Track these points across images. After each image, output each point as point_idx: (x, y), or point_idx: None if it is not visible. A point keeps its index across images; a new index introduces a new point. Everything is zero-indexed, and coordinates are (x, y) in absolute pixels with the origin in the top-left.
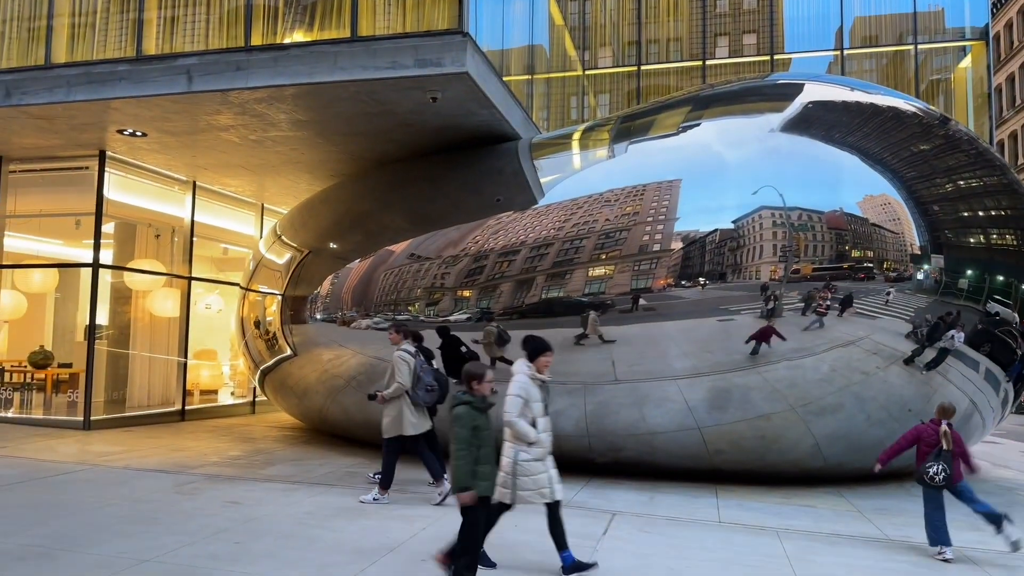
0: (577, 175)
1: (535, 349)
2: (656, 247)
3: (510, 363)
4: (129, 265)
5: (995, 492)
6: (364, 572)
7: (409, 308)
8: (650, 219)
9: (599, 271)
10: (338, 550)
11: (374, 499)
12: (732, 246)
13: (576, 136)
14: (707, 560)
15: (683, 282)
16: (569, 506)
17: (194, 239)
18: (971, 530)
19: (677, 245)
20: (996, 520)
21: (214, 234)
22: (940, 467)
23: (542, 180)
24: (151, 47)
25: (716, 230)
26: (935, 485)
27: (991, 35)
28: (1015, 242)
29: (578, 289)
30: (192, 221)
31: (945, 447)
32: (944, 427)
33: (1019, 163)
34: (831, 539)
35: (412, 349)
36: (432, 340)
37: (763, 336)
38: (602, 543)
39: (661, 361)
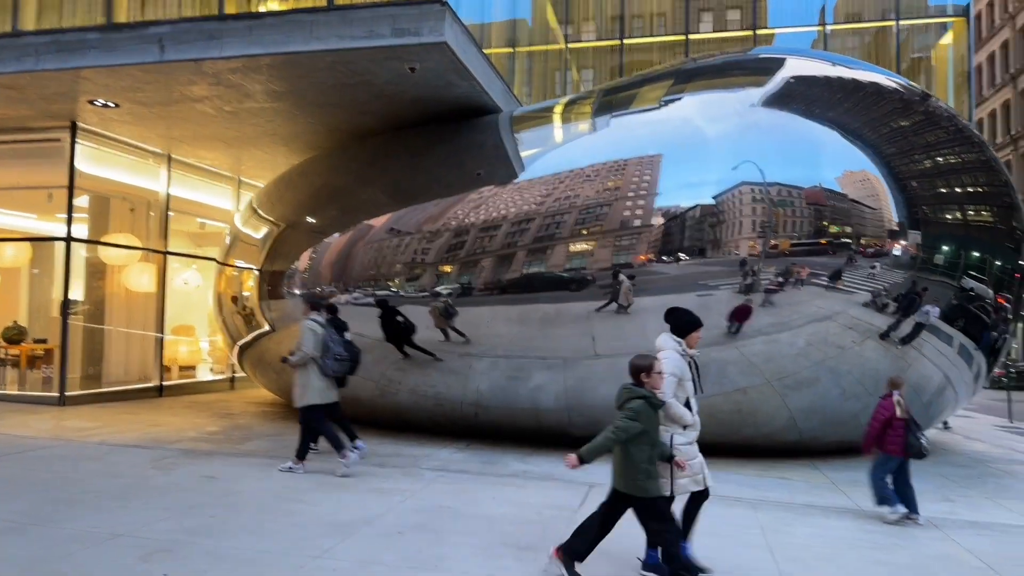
0: (558, 149)
1: (687, 323)
2: (637, 223)
3: (460, 333)
4: (103, 239)
5: (967, 464)
6: (341, 545)
7: (389, 283)
8: (631, 194)
9: (580, 246)
10: (315, 523)
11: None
12: (712, 222)
13: (558, 109)
14: None
15: (664, 258)
16: (548, 479)
17: (170, 213)
18: (943, 501)
19: (658, 221)
20: (890, 503)
21: (190, 208)
22: (922, 435)
23: (523, 154)
24: (122, 15)
25: (697, 205)
26: (925, 453)
27: (972, 14)
28: (991, 219)
29: (559, 264)
30: (167, 195)
31: (899, 415)
32: (898, 397)
33: (998, 141)
34: (805, 510)
35: (321, 319)
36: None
37: (741, 315)
38: (579, 514)
39: (641, 336)
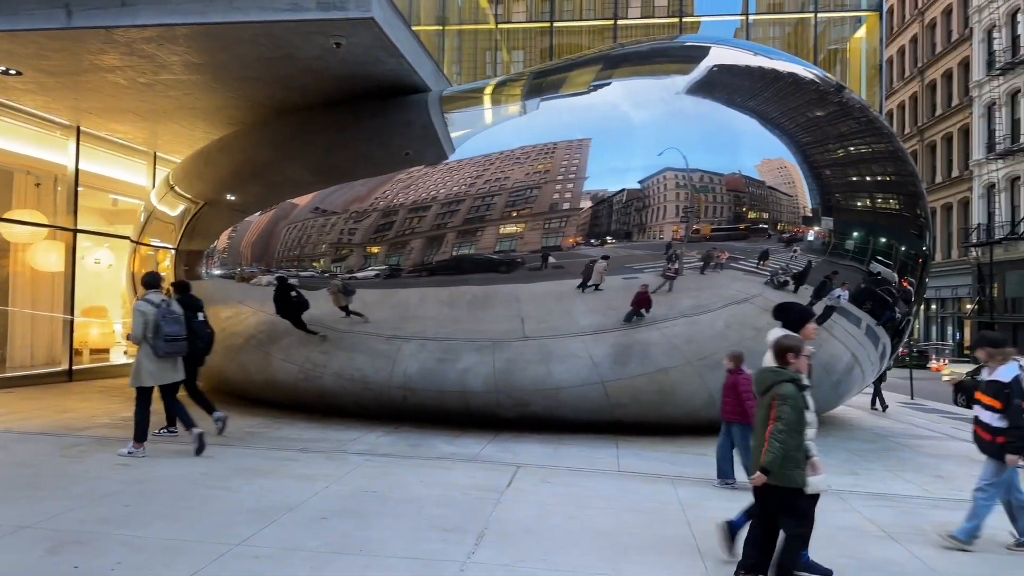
0: (488, 131)
1: (801, 316)
2: (566, 206)
3: (358, 315)
4: (6, 215)
5: (871, 439)
6: (262, 532)
7: (314, 264)
8: (560, 177)
9: (510, 229)
10: (235, 510)
11: (128, 452)
12: (638, 206)
13: (488, 91)
14: (605, 508)
15: (591, 241)
16: (476, 460)
17: (79, 189)
18: (849, 474)
19: (586, 204)
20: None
21: (102, 184)
22: None
23: (453, 135)
24: None
25: (623, 190)
26: None
27: (885, 8)
28: (898, 206)
29: (489, 246)
30: (76, 169)
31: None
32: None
33: (906, 132)
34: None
35: (156, 299)
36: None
37: (639, 303)
38: (506, 495)
39: (568, 318)
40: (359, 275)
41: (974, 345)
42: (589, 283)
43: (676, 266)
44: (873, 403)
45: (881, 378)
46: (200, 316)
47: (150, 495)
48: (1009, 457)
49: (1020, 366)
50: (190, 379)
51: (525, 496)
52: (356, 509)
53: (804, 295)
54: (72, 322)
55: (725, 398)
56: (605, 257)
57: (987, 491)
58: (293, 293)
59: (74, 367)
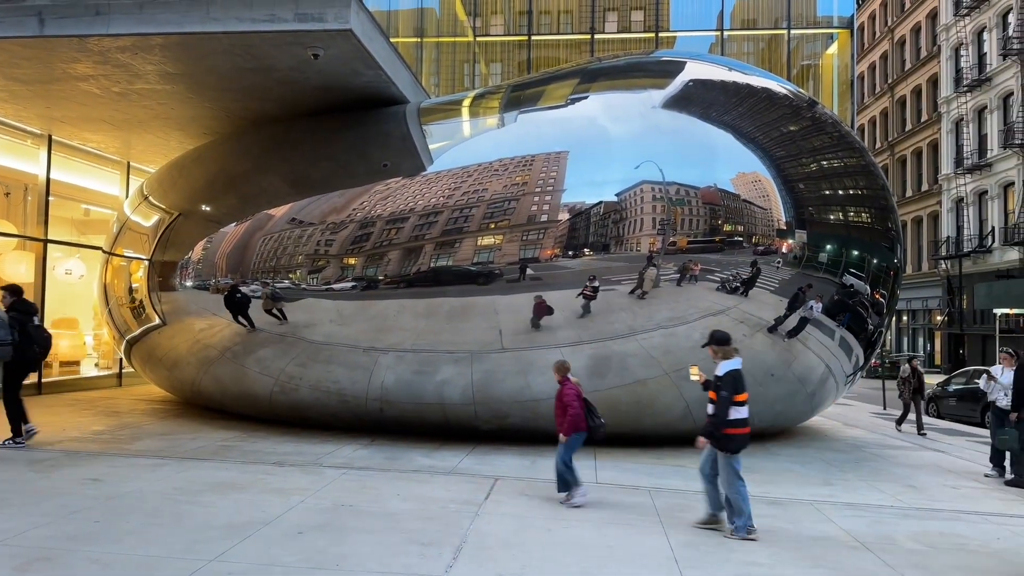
0: (467, 143)
1: None
2: (544, 218)
3: (280, 318)
4: None
5: (846, 449)
6: (237, 547)
7: (290, 275)
8: (538, 190)
9: (488, 240)
10: (209, 526)
11: None
12: (615, 218)
13: (466, 103)
14: (583, 520)
15: (569, 252)
16: (453, 473)
17: (50, 198)
18: (824, 485)
19: (564, 216)
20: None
21: (74, 193)
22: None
23: (431, 146)
24: None
25: (600, 202)
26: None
27: (856, 25)
28: (869, 220)
29: (467, 258)
30: (48, 178)
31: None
32: (576, 379)
33: (877, 146)
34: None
35: None
36: None
37: (537, 310)
38: (484, 507)
39: (546, 329)
40: (336, 286)
41: (705, 343)
42: (639, 289)
43: (596, 284)
44: (920, 428)
45: (919, 393)
46: (35, 320)
47: (121, 511)
48: (699, 440)
49: (740, 362)
50: (13, 386)
51: (503, 509)
52: (332, 524)
53: (778, 307)
54: None
55: (556, 410)
56: (655, 265)
57: (719, 480)
58: (238, 295)
59: (44, 380)
